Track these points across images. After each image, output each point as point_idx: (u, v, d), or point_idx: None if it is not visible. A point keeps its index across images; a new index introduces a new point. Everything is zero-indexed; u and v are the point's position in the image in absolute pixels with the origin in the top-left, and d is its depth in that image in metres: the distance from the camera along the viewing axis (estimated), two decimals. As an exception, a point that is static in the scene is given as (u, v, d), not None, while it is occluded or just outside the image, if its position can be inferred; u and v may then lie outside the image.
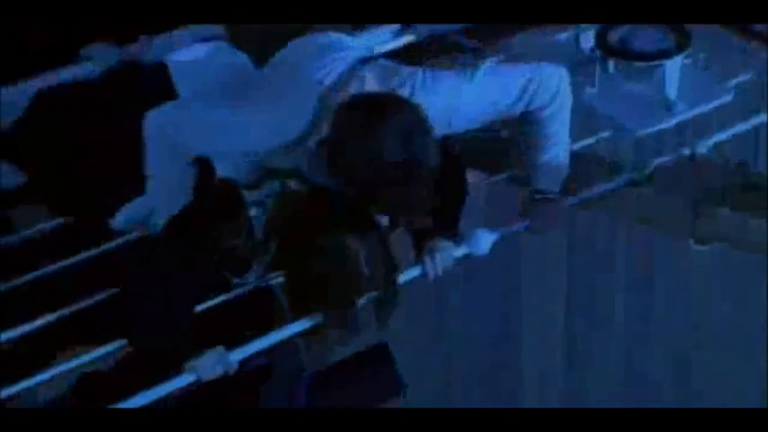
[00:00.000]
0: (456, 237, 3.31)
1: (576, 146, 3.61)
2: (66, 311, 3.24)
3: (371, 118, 2.86)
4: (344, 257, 3.02)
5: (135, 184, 3.19)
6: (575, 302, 6.17)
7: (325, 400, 3.45)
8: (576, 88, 3.37)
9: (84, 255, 3.40)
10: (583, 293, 6.10)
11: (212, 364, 3.05)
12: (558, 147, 3.27)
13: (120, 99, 3.29)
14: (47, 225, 3.54)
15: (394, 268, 3.17)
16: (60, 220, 3.50)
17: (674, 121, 3.80)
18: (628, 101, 3.77)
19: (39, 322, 3.23)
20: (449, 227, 3.30)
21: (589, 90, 3.73)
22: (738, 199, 3.72)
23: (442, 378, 6.12)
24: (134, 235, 3.36)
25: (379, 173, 2.84)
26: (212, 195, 3.18)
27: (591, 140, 3.90)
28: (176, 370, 3.04)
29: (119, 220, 3.33)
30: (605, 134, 3.93)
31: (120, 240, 3.39)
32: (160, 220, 3.19)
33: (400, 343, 3.48)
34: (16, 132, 3.42)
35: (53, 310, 3.26)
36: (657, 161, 3.78)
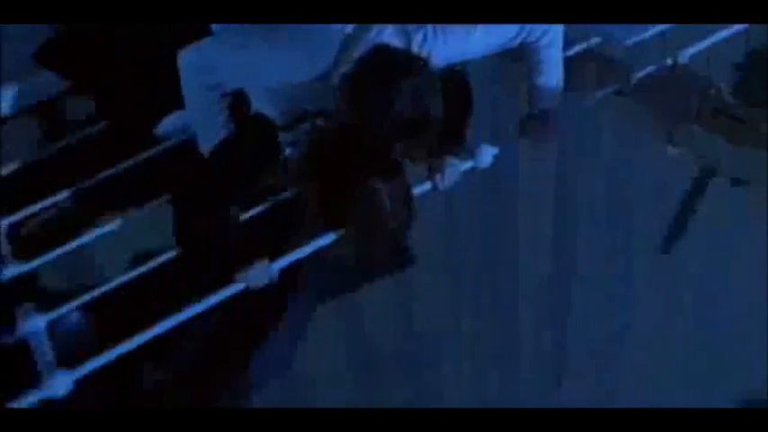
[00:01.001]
0: (462, 151, 3.70)
1: (569, 52, 4.05)
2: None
3: (388, 79, 3.14)
4: (369, 197, 3.33)
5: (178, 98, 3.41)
6: (563, 205, 6.71)
7: None
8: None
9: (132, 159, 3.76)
10: (570, 198, 6.65)
11: (259, 275, 3.32)
12: (551, 71, 3.67)
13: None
14: (92, 130, 3.75)
15: (411, 199, 3.49)
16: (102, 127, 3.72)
17: (658, 29, 4.05)
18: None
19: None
20: (456, 143, 3.68)
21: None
22: (710, 121, 3.98)
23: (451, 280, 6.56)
24: (177, 140, 3.72)
25: (393, 124, 3.12)
26: (248, 129, 3.41)
27: (582, 47, 4.25)
28: (226, 280, 3.31)
29: (163, 126, 3.66)
30: (595, 40, 4.28)
31: (164, 145, 3.75)
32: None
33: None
34: (64, 40, 3.62)
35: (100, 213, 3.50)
36: (642, 73, 4.05)
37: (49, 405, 3.28)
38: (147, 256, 3.57)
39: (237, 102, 3.43)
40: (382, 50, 3.24)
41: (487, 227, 6.51)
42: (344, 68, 3.23)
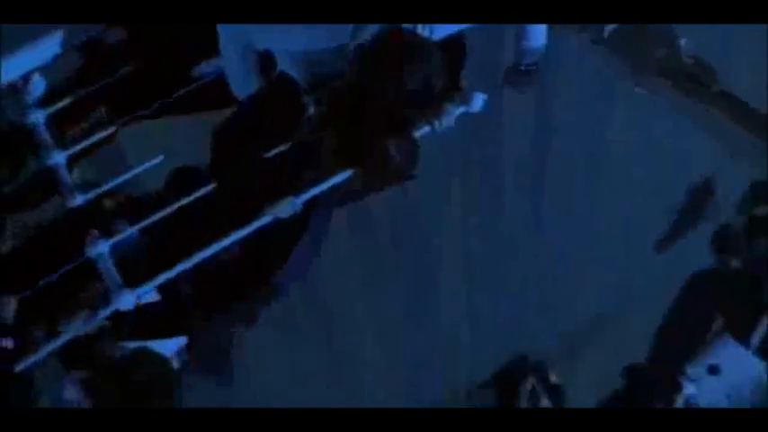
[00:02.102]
0: (457, 98, 4.31)
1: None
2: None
3: (399, 60, 3.75)
4: (380, 154, 3.99)
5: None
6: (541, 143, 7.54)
7: None
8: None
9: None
10: (547, 136, 7.49)
11: (286, 208, 3.97)
12: (534, 35, 4.34)
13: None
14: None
15: (417, 148, 4.14)
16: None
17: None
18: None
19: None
20: (452, 93, 4.27)
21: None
22: (671, 77, 4.58)
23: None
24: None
25: (402, 97, 3.77)
26: (275, 85, 4.07)
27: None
28: (256, 214, 3.96)
29: (200, 68, 4.32)
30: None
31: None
32: None
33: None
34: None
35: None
36: (614, 25, 4.65)
37: (118, 318, 3.99)
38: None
39: (266, 61, 4.03)
40: (395, 32, 3.80)
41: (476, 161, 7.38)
42: (360, 41, 3.80)
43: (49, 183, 4.21)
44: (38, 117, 4.29)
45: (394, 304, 8.21)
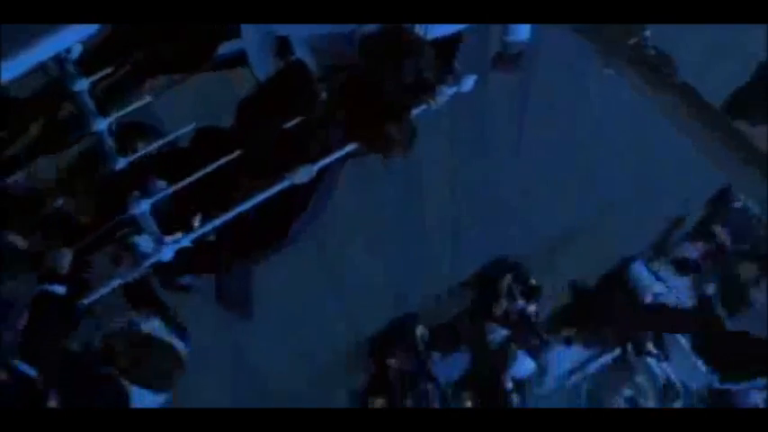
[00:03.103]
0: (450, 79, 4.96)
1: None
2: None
3: (397, 56, 4.38)
4: (380, 133, 4.66)
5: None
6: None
7: None
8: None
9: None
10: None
11: (302, 174, 4.65)
12: (518, 30, 4.96)
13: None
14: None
15: (413, 128, 4.79)
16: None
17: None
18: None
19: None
20: (446, 74, 4.93)
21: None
22: (637, 64, 5.28)
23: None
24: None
25: (400, 88, 4.42)
26: (291, 68, 4.72)
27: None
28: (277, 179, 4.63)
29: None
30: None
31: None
32: None
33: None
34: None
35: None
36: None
37: (159, 269, 4.70)
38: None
39: (284, 47, 4.69)
40: (394, 29, 4.44)
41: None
42: (365, 31, 4.44)
43: (93, 147, 4.86)
44: (81, 85, 4.91)
45: (384, 214, 9.01)
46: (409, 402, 10.73)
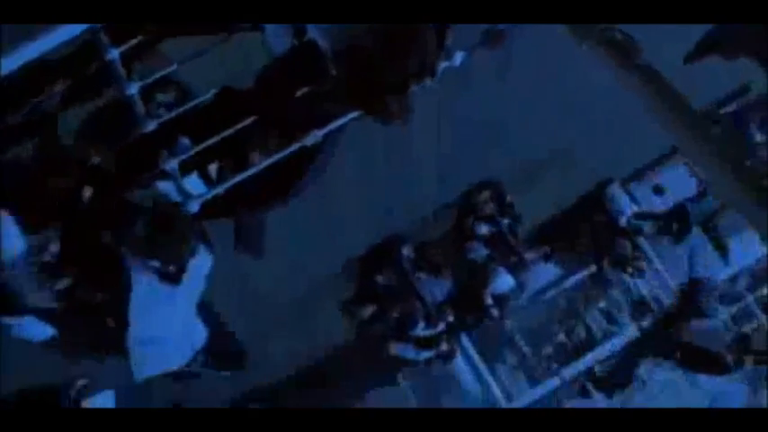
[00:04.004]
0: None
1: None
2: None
3: (404, 45, 5.11)
4: (382, 106, 5.45)
5: None
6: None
7: None
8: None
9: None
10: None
11: (311, 138, 5.48)
12: None
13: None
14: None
15: (410, 102, 5.60)
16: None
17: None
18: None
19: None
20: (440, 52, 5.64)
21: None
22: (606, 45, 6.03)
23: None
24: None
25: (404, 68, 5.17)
26: (304, 47, 5.45)
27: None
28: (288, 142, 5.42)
29: None
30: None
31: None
32: None
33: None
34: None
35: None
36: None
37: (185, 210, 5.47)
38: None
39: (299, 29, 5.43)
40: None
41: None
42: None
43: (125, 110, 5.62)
44: (113, 54, 5.64)
45: (373, 140, 9.79)
46: (395, 315, 11.66)
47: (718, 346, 12.19)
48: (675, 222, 12.99)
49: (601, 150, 11.78)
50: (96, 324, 5.69)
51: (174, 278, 5.52)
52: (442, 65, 5.69)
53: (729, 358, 12.21)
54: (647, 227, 13.00)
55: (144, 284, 5.48)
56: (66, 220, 5.36)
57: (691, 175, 13.02)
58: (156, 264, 5.43)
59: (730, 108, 12.82)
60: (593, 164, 12.12)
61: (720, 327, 12.33)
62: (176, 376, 6.01)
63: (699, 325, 12.31)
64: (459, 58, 5.75)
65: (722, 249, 13.86)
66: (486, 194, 11.68)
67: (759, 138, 12.95)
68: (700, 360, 12.39)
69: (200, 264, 5.69)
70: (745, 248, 13.90)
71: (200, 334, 5.84)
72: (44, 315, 5.59)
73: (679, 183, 13.12)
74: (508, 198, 11.99)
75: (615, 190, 12.85)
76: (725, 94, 12.59)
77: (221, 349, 6.15)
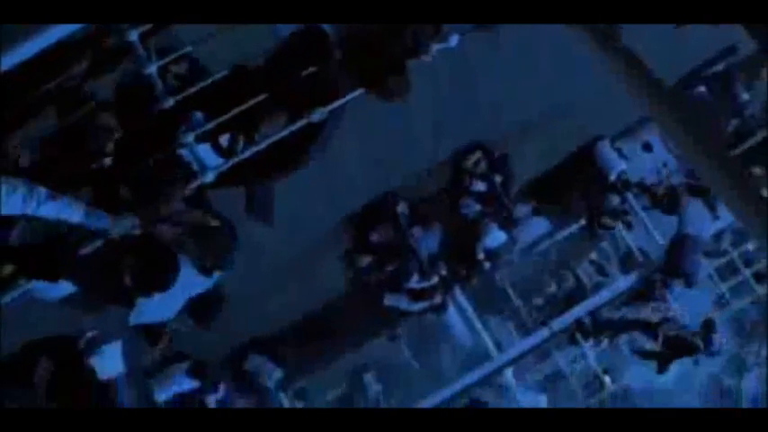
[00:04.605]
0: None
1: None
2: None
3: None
4: (388, 94, 6.03)
5: None
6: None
7: None
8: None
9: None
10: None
11: (317, 115, 5.99)
12: None
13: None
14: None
15: (408, 83, 6.16)
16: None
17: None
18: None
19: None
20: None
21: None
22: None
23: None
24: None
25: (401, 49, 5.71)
26: (308, 31, 6.00)
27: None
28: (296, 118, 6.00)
29: None
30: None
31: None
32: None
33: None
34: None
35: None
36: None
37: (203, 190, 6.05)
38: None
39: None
40: None
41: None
42: None
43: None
44: (133, 35, 6.16)
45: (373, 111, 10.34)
46: (390, 268, 12.26)
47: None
48: (666, 198, 13.51)
49: (592, 109, 12.23)
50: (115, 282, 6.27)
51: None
52: (438, 46, 6.21)
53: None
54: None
55: None
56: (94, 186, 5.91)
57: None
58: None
59: (718, 68, 13.37)
60: (584, 122, 12.65)
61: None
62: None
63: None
64: (454, 40, 6.26)
65: (712, 206, 14.43)
66: (478, 153, 12.20)
67: (745, 96, 13.53)
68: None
69: None
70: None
71: (197, 287, 6.46)
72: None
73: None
74: (500, 155, 12.55)
75: (604, 147, 13.43)
76: (712, 55, 13.26)
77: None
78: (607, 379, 14.57)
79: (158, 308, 6.40)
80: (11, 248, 5.79)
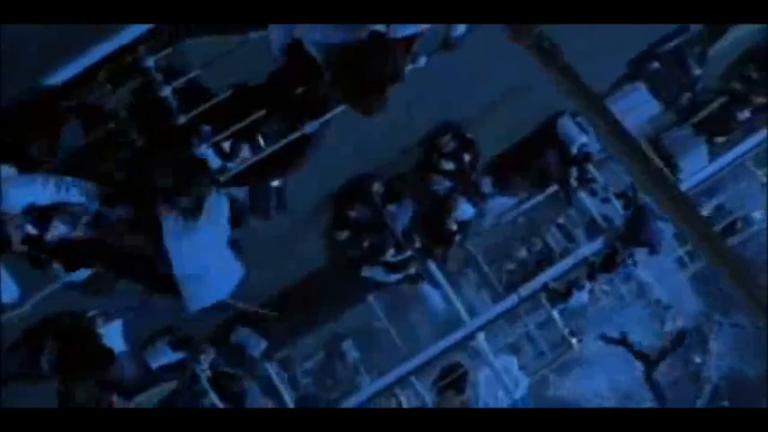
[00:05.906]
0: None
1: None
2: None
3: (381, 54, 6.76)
4: (365, 106, 6.97)
5: None
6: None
7: None
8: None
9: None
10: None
11: (311, 127, 7.30)
12: None
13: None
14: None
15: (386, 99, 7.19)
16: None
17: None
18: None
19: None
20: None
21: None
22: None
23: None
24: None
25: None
26: (300, 55, 6.95)
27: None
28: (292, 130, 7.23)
29: None
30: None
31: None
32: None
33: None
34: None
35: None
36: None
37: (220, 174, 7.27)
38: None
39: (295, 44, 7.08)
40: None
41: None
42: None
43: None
44: (149, 62, 7.37)
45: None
46: (367, 243, 13.46)
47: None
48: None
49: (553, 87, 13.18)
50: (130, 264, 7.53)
51: (193, 213, 7.23)
52: (409, 67, 7.28)
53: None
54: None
55: (170, 222, 7.20)
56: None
57: (650, 96, 14.72)
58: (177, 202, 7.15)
59: (671, 45, 14.43)
60: (546, 98, 13.59)
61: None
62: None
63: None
64: (422, 61, 7.42)
65: (673, 168, 15.59)
66: (448, 135, 13.37)
67: (697, 71, 14.65)
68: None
69: (216, 203, 7.37)
70: (694, 166, 15.73)
71: (238, 269, 7.62)
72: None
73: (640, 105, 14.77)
74: (468, 136, 13.66)
75: (566, 121, 14.43)
76: (666, 32, 14.41)
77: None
78: (574, 340, 15.73)
79: (208, 291, 7.52)
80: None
